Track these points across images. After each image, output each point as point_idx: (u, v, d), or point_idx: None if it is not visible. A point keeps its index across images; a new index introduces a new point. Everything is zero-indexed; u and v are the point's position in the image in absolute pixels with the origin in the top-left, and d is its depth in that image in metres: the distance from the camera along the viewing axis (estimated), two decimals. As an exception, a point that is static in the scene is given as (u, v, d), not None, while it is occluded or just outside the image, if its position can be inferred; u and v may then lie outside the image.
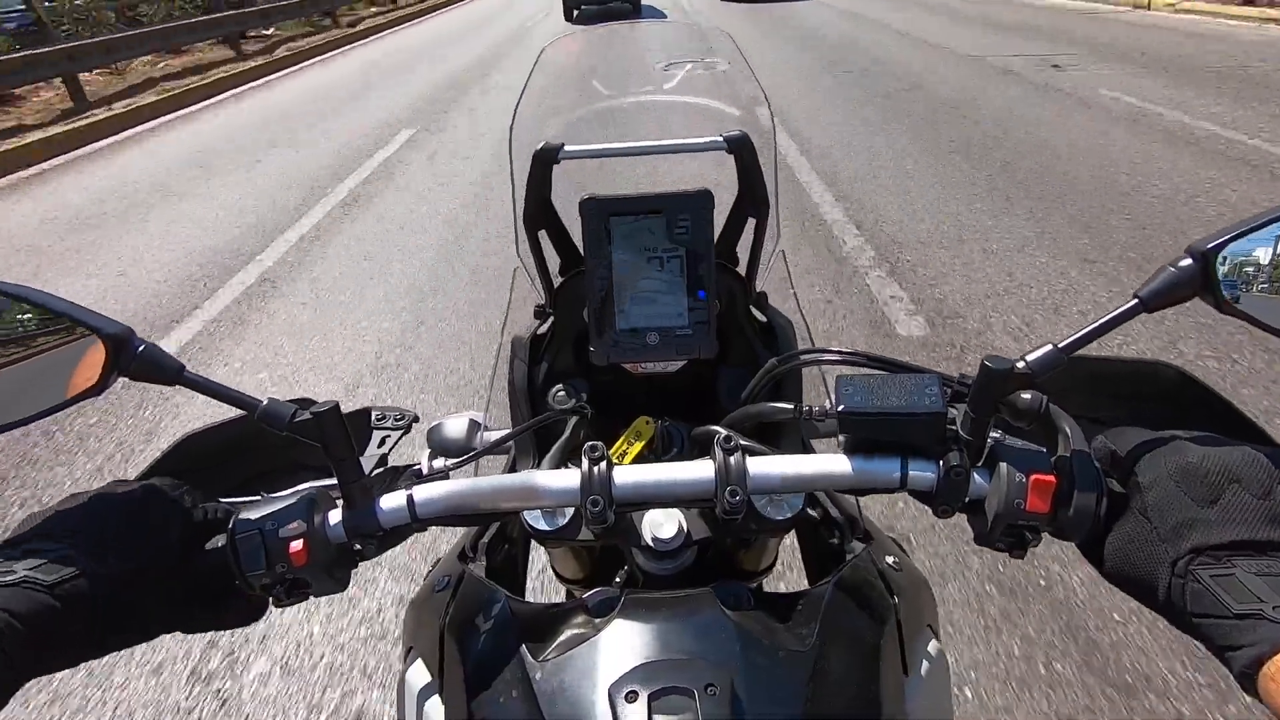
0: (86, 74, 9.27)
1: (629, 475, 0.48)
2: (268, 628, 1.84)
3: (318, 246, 4.38)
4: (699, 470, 0.48)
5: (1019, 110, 6.21)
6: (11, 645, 0.39)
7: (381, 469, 0.62)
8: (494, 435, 0.68)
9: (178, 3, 13.89)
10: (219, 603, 0.50)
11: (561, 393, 0.69)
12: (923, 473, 0.47)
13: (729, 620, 0.46)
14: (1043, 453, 0.46)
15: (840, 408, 0.47)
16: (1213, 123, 5.41)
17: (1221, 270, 0.44)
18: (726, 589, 0.49)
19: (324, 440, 0.48)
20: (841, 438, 0.49)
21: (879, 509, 1.98)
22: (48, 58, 8.32)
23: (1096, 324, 0.45)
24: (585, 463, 0.48)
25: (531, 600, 0.53)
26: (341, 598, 1.77)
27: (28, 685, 0.41)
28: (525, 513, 0.54)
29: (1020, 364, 0.45)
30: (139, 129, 8.05)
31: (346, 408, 0.52)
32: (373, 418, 0.67)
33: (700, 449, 0.63)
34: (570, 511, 0.53)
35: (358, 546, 0.50)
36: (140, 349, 0.47)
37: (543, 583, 1.69)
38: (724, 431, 0.52)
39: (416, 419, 0.69)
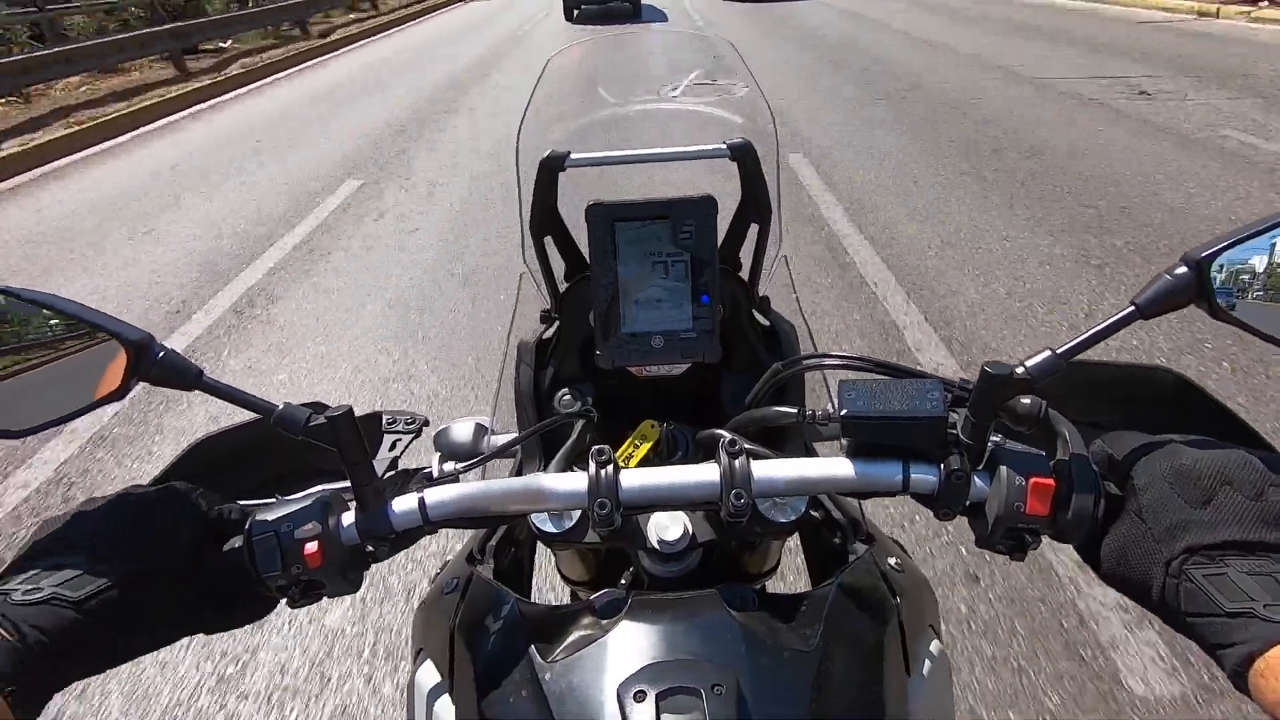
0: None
1: (635, 478, 0.49)
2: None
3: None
4: (704, 473, 0.49)
5: (1134, 170, 4.30)
6: (41, 661, 0.40)
7: (393, 472, 0.62)
8: (501, 439, 0.69)
9: (120, 15, 12.13)
10: (229, 604, 0.50)
11: (567, 397, 0.70)
12: (924, 476, 0.48)
13: (734, 621, 0.47)
14: (1042, 456, 0.47)
15: (843, 412, 0.48)
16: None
17: (1217, 278, 0.45)
18: (731, 590, 0.50)
19: (339, 444, 0.49)
20: (844, 441, 0.50)
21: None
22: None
23: (1094, 330, 0.46)
24: (592, 466, 0.49)
25: (538, 602, 0.54)
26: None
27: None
28: (533, 515, 0.55)
29: (1020, 369, 0.46)
30: (15, 181, 6.04)
31: (357, 412, 0.52)
32: (384, 422, 0.68)
33: (705, 452, 0.64)
34: (577, 514, 0.54)
35: (370, 548, 0.51)
36: (160, 355, 0.48)
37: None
38: (728, 435, 0.52)
39: (427, 423, 0.69)
